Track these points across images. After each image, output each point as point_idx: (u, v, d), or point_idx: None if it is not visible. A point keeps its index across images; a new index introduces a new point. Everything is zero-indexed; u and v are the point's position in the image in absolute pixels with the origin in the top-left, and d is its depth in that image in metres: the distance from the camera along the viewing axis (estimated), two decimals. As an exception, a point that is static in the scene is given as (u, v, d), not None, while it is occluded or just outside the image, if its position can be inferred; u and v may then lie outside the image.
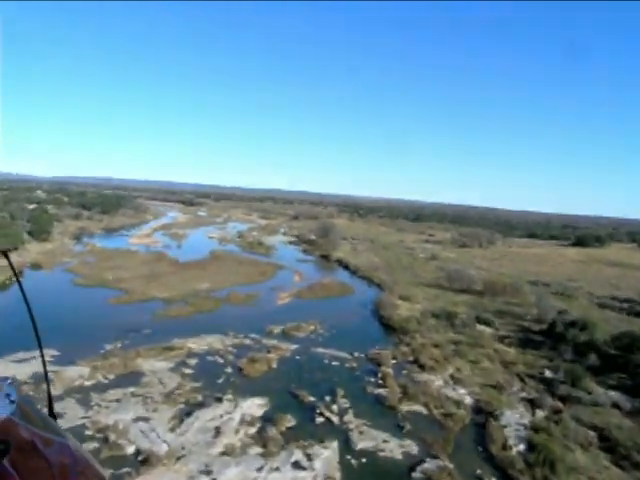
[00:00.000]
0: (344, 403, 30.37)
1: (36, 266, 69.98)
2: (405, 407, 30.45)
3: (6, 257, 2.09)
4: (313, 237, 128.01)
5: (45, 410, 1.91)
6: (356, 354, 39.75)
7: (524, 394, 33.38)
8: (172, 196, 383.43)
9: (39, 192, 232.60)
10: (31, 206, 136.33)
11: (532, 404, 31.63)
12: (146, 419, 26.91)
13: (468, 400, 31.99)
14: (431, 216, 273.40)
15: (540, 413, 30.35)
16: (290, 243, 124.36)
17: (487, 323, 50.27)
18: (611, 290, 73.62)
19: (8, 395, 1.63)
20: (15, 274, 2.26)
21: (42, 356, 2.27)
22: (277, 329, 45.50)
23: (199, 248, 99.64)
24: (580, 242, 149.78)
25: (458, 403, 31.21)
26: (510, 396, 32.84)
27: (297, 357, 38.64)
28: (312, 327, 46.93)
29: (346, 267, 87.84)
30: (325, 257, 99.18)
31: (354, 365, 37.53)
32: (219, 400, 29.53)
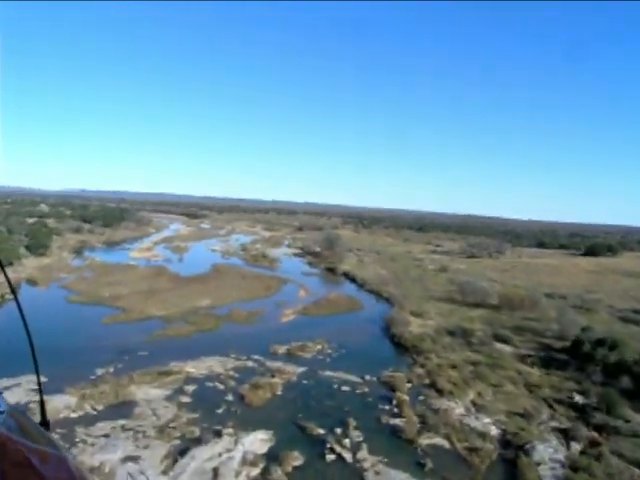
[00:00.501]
0: (357, 436, 27.32)
1: (31, 282, 67.38)
2: (425, 440, 27.37)
3: (3, 272, 2.11)
4: (318, 249, 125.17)
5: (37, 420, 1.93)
6: (367, 377, 36.71)
7: (555, 423, 30.22)
8: (176, 208, 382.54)
9: (42, 205, 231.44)
10: (31, 220, 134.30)
11: (565, 435, 28.47)
12: (136, 459, 23.94)
13: (494, 431, 28.86)
14: (435, 226, 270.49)
15: (576, 446, 27.21)
16: (295, 255, 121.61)
17: (506, 341, 47.13)
18: (631, 302, 70.29)
19: None
20: (12, 289, 2.22)
21: (35, 362, 2.14)
22: (282, 349, 42.55)
23: (201, 262, 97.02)
24: (591, 251, 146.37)
25: (483, 435, 28.10)
26: (540, 426, 29.70)
27: (304, 382, 35.62)
28: (319, 347, 43.96)
29: (353, 280, 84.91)
30: (331, 270, 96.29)
31: (366, 390, 34.47)
32: (218, 434, 26.52)
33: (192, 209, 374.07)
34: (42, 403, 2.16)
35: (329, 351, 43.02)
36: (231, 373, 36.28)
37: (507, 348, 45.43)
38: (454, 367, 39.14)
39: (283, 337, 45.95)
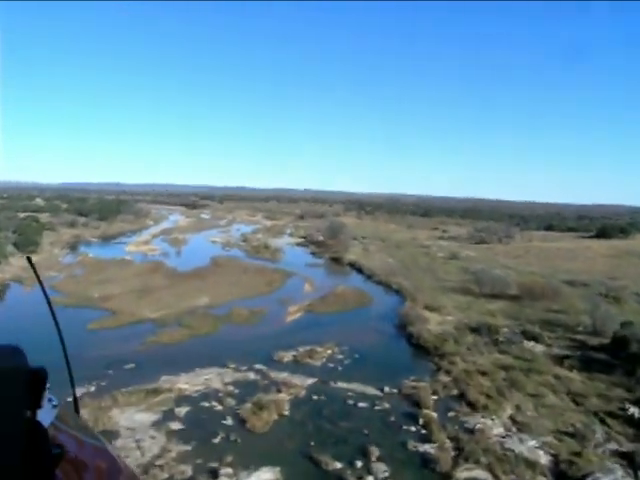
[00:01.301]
0: (382, 471, 22.74)
1: (17, 283, 62.81)
2: (463, 474, 22.77)
3: (30, 263, 2.10)
4: (321, 238, 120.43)
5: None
6: (387, 389, 32.05)
7: (614, 445, 25.56)
8: (176, 199, 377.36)
9: (38, 200, 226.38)
10: (23, 215, 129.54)
11: (630, 461, 23.86)
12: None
13: (544, 458, 24.23)
14: (439, 211, 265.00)
15: (645, 477, 22.62)
16: (297, 245, 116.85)
17: (536, 338, 42.42)
18: (660, 289, 65.54)
19: (50, 400, 1.67)
20: (39, 280, 2.09)
21: (64, 350, 2.16)
22: (288, 356, 37.93)
23: (200, 254, 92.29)
24: (602, 234, 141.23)
25: (532, 465, 23.47)
26: (597, 449, 25.05)
27: (314, 397, 30.95)
28: (329, 351, 39.30)
29: (359, 271, 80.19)
30: (336, 260, 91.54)
31: (386, 406, 29.80)
32: (214, 475, 21.96)
33: (192, 199, 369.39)
34: (75, 395, 2.17)
35: (340, 357, 38.38)
36: (230, 389, 31.64)
37: (539, 347, 40.73)
38: (484, 373, 34.46)
39: (288, 340, 41.32)
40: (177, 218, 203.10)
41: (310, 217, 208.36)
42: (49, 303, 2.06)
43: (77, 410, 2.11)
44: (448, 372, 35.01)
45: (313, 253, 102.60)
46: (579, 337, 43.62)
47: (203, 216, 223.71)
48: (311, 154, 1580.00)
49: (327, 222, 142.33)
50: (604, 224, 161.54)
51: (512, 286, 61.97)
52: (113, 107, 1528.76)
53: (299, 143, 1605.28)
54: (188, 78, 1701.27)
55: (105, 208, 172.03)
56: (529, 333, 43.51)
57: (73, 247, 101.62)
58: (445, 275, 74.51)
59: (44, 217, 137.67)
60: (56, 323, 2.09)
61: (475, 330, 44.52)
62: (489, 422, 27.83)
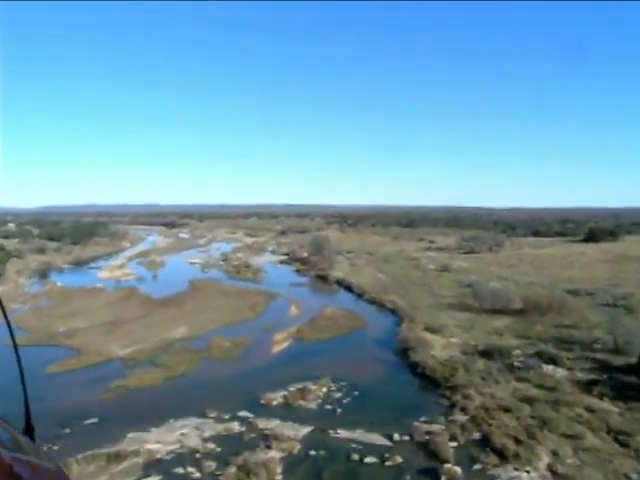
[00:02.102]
0: None
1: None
2: None
3: None
4: (305, 254, 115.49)
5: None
6: (396, 436, 27.05)
7: (683, 503, 20.96)
8: (155, 219, 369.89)
9: (11, 225, 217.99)
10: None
11: None
12: None
13: (603, 527, 19.49)
14: (423, 220, 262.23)
15: None
16: (280, 263, 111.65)
17: (554, 361, 37.88)
18: (668, 295, 61.83)
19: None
20: (3, 310, 2.01)
21: (17, 357, 2.08)
22: (277, 397, 32.76)
23: (177, 278, 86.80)
24: (592, 237, 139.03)
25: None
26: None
27: (311, 453, 25.75)
28: (324, 389, 34.22)
29: (348, 289, 75.38)
30: (322, 277, 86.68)
31: (399, 461, 24.75)
32: None
33: (172, 218, 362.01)
34: (27, 408, 1.99)
35: (338, 395, 33.30)
36: (210, 447, 26.33)
37: (559, 372, 36.17)
38: (506, 409, 29.65)
39: (277, 377, 36.16)
40: (155, 239, 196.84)
41: (292, 232, 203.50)
42: (12, 334, 2.00)
43: (29, 424, 1.91)
44: (464, 409, 30.17)
45: (297, 271, 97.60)
46: (600, 357, 39.18)
47: (182, 235, 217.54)
48: (290, 169, 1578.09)
49: (310, 237, 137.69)
50: (591, 228, 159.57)
51: (514, 299, 57.63)
52: (92, 128, 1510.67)
53: (278, 159, 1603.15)
54: (167, 95, 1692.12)
55: (78, 231, 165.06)
56: (545, 354, 39.00)
57: (42, 275, 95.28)
58: (440, 290, 70.03)
59: (12, 244, 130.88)
60: (15, 349, 2.04)
61: (485, 354, 39.89)
62: (524, 476, 23.04)
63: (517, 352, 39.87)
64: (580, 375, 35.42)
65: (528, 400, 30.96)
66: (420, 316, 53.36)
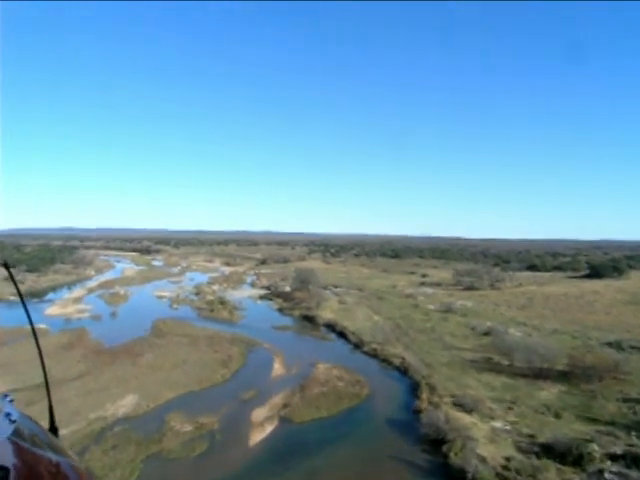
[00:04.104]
0: None
1: None
2: None
3: (7, 270, 2.15)
4: (288, 288, 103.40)
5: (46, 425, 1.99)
6: None
7: None
8: (129, 244, 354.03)
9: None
10: None
11: None
12: None
13: None
14: (409, 251, 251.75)
15: None
16: (260, 298, 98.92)
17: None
18: None
19: (8, 414, 1.63)
20: (17, 287, 2.26)
21: (42, 363, 2.29)
22: None
23: (140, 316, 74.13)
24: (596, 273, 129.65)
25: None
26: None
27: None
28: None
29: (342, 335, 63.36)
30: (308, 319, 74.52)
31: None
32: None
33: (146, 244, 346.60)
34: (51, 408, 2.16)
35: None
36: None
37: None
38: None
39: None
40: (125, 266, 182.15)
41: (272, 262, 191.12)
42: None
43: (53, 424, 2.03)
44: None
45: (280, 309, 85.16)
46: None
47: (155, 263, 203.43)
48: (270, 196, 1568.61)
49: (293, 270, 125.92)
50: (592, 263, 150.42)
51: (552, 356, 46.18)
52: (69, 149, 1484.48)
53: (258, 185, 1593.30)
54: (148, 121, 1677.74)
55: (38, 257, 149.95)
56: (634, 455, 27.36)
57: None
58: (453, 339, 58.43)
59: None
60: (37, 342, 2.23)
61: (553, 453, 28.06)
62: None
63: (597, 450, 28.19)
64: None
65: None
66: (440, 380, 41.66)
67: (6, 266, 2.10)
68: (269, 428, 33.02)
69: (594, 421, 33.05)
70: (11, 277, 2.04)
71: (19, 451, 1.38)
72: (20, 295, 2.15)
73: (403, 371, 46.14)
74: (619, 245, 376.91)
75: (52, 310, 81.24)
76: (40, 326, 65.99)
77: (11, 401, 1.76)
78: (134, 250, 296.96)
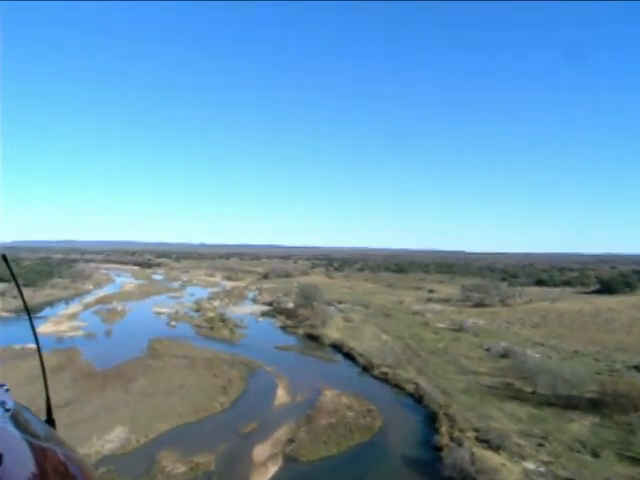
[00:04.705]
0: None
1: None
2: None
3: (6, 262, 2.06)
4: (291, 305, 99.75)
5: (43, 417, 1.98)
6: None
7: None
8: (130, 257, 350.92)
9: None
10: None
11: None
12: None
13: None
14: (411, 265, 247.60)
15: None
16: (262, 315, 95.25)
17: None
18: None
19: (3, 403, 1.64)
20: (15, 280, 2.13)
21: (40, 356, 2.25)
22: None
23: (136, 335, 70.74)
24: (607, 289, 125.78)
25: None
26: None
27: None
28: None
29: (349, 356, 59.71)
30: (313, 338, 70.85)
31: None
32: None
33: (147, 257, 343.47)
34: (48, 400, 2.14)
35: None
36: None
37: None
38: None
39: None
40: (124, 280, 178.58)
41: (274, 276, 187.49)
42: (27, 309, 2.12)
43: (50, 415, 2.03)
44: None
45: (283, 327, 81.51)
46: None
47: (156, 277, 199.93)
48: (272, 210, 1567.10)
49: (297, 285, 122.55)
50: (602, 278, 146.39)
51: (579, 382, 42.45)
52: (70, 161, 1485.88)
53: (261, 198, 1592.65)
54: (150, 133, 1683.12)
55: (35, 271, 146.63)
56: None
57: (-29, 327, 77.92)
58: (468, 362, 54.75)
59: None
60: (35, 338, 2.14)
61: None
62: None
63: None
64: None
65: None
66: (459, 410, 38.01)
67: (4, 258, 1.99)
68: (273, 469, 29.35)
69: (638, 461, 29.36)
70: (10, 270, 1.93)
71: (12, 438, 1.37)
72: (19, 288, 2.03)
73: (418, 399, 42.45)
74: (624, 259, 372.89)
75: (44, 327, 77.62)
76: (29, 346, 62.53)
77: (7, 390, 1.74)
78: (135, 263, 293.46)
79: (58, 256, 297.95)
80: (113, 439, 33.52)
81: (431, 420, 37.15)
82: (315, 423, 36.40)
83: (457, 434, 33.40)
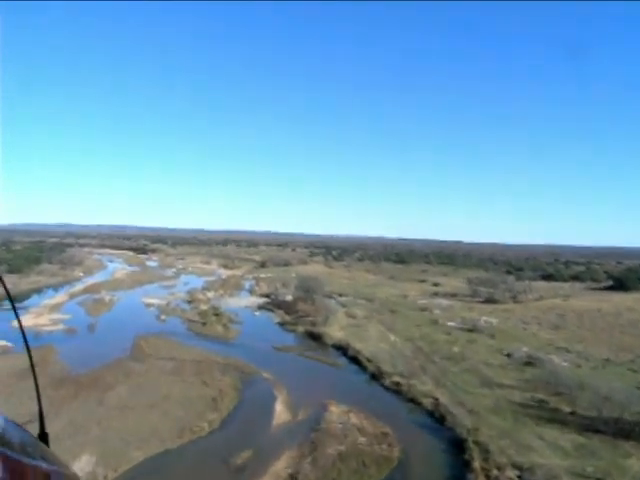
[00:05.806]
0: None
1: None
2: None
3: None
4: (290, 297, 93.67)
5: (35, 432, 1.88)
6: None
7: None
8: (125, 242, 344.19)
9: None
10: None
11: None
12: None
13: None
14: (413, 256, 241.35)
15: None
16: (259, 308, 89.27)
17: None
18: None
19: None
20: (9, 297, 2.16)
21: (33, 369, 2.19)
22: None
23: (121, 329, 64.95)
24: (620, 285, 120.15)
25: None
26: None
27: None
28: None
29: (354, 360, 53.82)
30: (314, 337, 64.88)
31: None
32: None
33: (143, 243, 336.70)
34: (41, 415, 2.06)
35: None
36: None
37: None
38: None
39: None
40: (116, 267, 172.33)
41: (272, 264, 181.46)
42: (18, 317, 2.14)
43: (43, 430, 1.95)
44: None
45: (281, 323, 75.50)
46: None
47: (150, 264, 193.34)
48: (271, 196, 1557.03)
49: (295, 276, 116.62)
50: (612, 273, 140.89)
51: (625, 401, 36.49)
52: (69, 145, 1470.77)
53: (260, 185, 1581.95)
54: (147, 118, 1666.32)
55: (19, 257, 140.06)
56: None
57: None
58: (489, 370, 48.81)
59: None
60: (27, 346, 2.11)
61: None
62: None
63: None
64: None
65: None
66: (491, 437, 32.08)
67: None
68: (270, 523, 23.38)
69: None
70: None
71: (1, 458, 1.28)
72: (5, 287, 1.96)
73: (439, 419, 36.49)
74: (627, 253, 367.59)
75: (22, 321, 71.35)
76: (1, 343, 56.46)
77: None
78: (130, 248, 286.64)
79: (53, 240, 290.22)
80: (77, 472, 27.49)
81: (459, 449, 31.23)
82: (321, 452, 30.37)
83: (494, 472, 27.49)
